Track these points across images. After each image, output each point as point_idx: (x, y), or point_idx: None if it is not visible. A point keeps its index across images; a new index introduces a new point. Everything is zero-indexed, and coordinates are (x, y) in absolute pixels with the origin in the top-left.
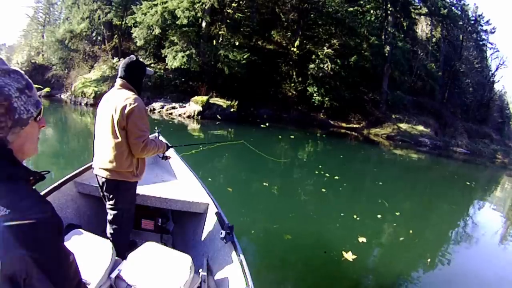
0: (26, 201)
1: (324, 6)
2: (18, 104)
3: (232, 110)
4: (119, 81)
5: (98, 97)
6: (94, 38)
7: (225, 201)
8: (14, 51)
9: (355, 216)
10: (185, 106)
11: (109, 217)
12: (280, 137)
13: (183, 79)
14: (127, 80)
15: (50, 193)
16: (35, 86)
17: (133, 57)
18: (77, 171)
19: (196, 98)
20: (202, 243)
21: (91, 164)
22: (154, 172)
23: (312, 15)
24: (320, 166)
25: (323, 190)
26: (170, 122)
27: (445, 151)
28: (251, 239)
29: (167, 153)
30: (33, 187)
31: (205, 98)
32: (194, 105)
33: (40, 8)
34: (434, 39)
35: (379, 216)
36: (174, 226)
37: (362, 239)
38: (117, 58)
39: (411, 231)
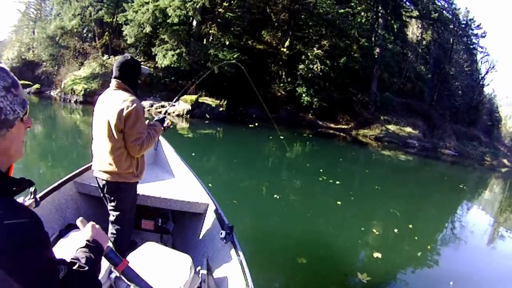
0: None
1: (315, 7)
2: (4, 104)
3: (221, 109)
4: (114, 81)
5: (87, 94)
6: (85, 35)
7: (226, 204)
8: (4, 46)
9: (374, 230)
10: (174, 105)
11: (111, 218)
12: (270, 137)
13: (172, 78)
14: (122, 80)
15: (50, 193)
16: (25, 82)
17: (127, 55)
18: (77, 171)
19: (185, 97)
20: (202, 243)
21: (91, 164)
22: (154, 172)
23: (303, 16)
24: (321, 170)
25: (338, 203)
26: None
27: (433, 152)
28: (251, 239)
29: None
30: (23, 200)
31: (194, 97)
32: (183, 104)
33: (32, 4)
34: (424, 42)
35: (396, 230)
36: (174, 226)
37: (377, 255)
38: (107, 55)
39: (429, 247)
